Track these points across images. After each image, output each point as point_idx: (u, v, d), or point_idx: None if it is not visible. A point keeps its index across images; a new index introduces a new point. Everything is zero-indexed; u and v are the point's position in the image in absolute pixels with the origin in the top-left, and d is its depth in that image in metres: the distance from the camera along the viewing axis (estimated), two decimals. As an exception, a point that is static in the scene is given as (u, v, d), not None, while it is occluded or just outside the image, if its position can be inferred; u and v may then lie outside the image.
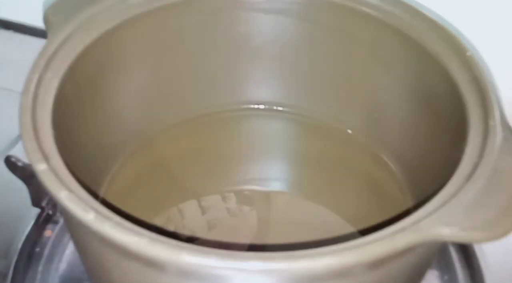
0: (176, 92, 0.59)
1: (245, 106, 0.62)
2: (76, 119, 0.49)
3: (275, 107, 0.61)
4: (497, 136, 0.41)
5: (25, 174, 0.55)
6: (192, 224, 0.55)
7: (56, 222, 0.57)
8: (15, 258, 0.54)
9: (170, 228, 0.55)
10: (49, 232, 0.57)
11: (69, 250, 0.55)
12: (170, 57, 0.56)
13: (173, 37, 0.55)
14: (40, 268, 0.54)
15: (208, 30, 0.56)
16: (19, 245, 0.55)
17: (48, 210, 0.57)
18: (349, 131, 0.61)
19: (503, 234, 0.37)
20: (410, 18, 0.50)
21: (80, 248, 0.48)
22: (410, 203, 0.55)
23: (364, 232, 0.52)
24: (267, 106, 0.62)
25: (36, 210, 0.57)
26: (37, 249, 0.55)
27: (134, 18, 0.52)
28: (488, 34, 0.57)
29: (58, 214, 0.57)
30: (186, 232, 0.54)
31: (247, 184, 0.59)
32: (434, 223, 0.36)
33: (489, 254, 0.56)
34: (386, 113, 0.57)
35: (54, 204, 0.57)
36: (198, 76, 0.59)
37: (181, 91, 0.60)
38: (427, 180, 0.51)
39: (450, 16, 0.51)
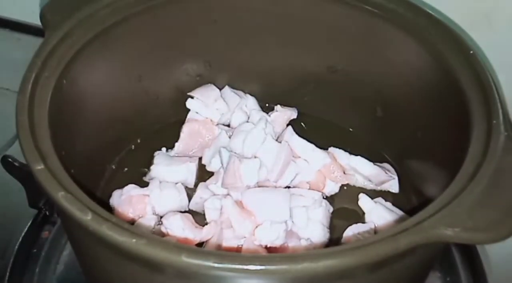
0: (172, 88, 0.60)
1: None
2: (74, 118, 0.49)
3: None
4: (500, 135, 0.41)
5: (22, 174, 0.55)
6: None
7: (53, 223, 0.57)
8: (12, 259, 0.54)
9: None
10: (46, 233, 0.56)
11: (67, 251, 0.55)
12: (166, 51, 0.56)
13: (168, 32, 0.55)
14: (37, 269, 0.54)
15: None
16: (16, 246, 0.54)
17: (45, 211, 0.57)
18: (352, 129, 0.61)
19: (507, 235, 0.36)
20: (414, 16, 0.50)
21: (78, 249, 0.47)
22: (413, 203, 0.55)
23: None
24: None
25: (33, 211, 0.57)
26: (34, 250, 0.55)
27: (131, 16, 0.52)
28: (491, 33, 0.57)
29: (55, 215, 0.57)
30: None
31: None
32: (436, 224, 0.36)
33: (492, 255, 0.56)
34: (389, 112, 0.57)
35: (52, 205, 0.57)
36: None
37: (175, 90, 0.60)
38: (429, 180, 0.51)
39: (453, 13, 0.51)
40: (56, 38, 0.47)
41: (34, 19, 0.56)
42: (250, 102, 0.60)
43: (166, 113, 0.60)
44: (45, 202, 0.57)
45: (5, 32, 0.75)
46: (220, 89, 0.60)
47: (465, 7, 0.56)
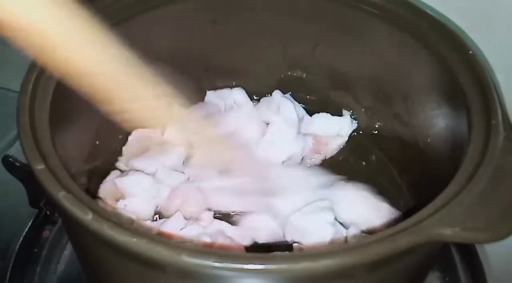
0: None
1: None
2: (74, 118, 0.49)
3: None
4: (499, 135, 0.41)
5: (23, 174, 0.55)
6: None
7: (54, 223, 0.57)
8: (13, 259, 0.54)
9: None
10: (47, 233, 0.56)
11: (67, 251, 0.55)
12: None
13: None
14: (38, 269, 0.54)
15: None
16: (17, 246, 0.55)
17: (46, 211, 0.57)
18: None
19: (506, 234, 0.36)
20: (413, 17, 0.50)
21: (78, 248, 0.47)
22: (411, 203, 0.55)
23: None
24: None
25: (34, 211, 0.57)
26: (35, 250, 0.55)
27: (131, 17, 0.52)
28: (490, 33, 0.57)
29: (56, 215, 0.57)
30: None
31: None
32: (435, 224, 0.36)
33: (492, 255, 0.55)
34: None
35: (52, 205, 0.57)
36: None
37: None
38: (429, 180, 0.51)
39: (452, 13, 0.51)
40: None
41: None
42: (239, 95, 0.60)
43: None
44: (45, 201, 0.57)
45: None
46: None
47: (464, 8, 0.56)
